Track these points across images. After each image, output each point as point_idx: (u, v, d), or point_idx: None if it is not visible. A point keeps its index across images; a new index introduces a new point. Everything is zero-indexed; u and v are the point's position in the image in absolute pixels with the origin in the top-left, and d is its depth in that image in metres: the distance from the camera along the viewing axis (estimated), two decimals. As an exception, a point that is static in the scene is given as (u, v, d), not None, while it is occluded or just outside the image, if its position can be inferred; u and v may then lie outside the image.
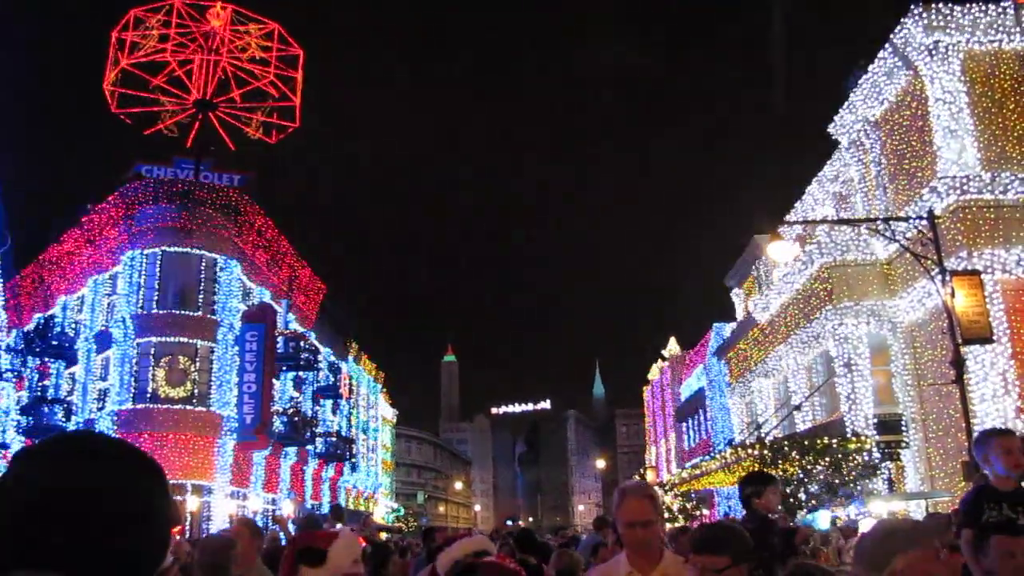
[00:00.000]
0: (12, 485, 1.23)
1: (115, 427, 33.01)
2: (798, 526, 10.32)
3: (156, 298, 34.85)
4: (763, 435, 30.64)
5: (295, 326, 42.96)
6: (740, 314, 41.45)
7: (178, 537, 15.29)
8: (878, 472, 24.60)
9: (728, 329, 43.09)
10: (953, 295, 17.08)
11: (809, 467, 24.28)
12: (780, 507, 21.47)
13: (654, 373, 66.95)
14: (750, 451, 26.62)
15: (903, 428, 25.42)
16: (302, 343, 40.90)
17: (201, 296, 35.39)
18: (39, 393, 39.16)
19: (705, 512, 39.43)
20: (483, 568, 3.05)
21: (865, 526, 19.10)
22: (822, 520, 23.40)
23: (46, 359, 38.97)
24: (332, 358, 50.18)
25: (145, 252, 35.16)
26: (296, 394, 43.12)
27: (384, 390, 73.27)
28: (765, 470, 25.26)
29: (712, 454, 35.48)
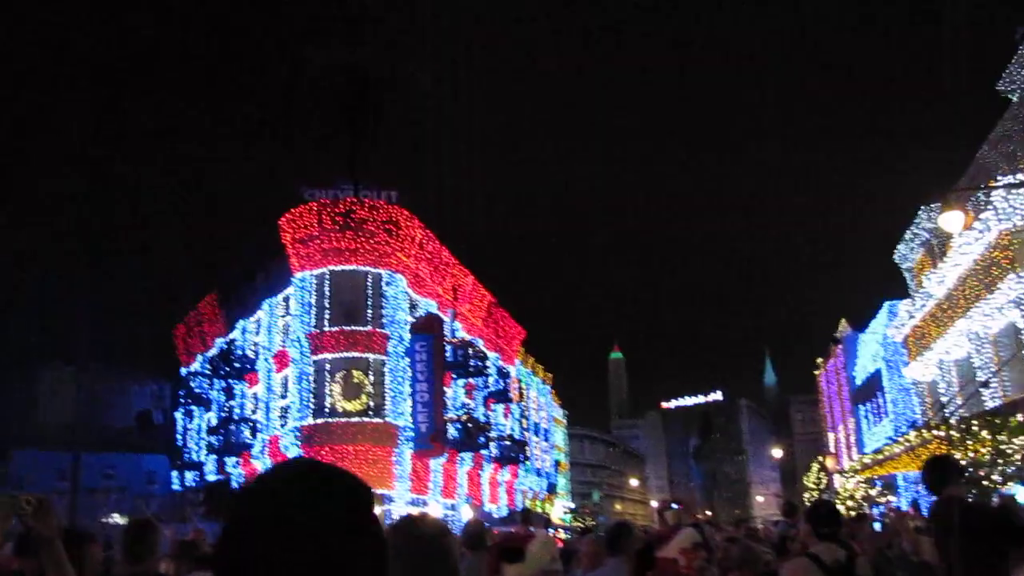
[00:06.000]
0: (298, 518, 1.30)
1: (298, 442, 34.44)
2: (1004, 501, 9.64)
3: (328, 316, 36.17)
4: (948, 415, 29.31)
5: (462, 334, 43.75)
6: (914, 290, 39.74)
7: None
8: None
9: (901, 306, 41.41)
10: None
11: (1002, 447, 23.04)
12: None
13: (826, 356, 65.04)
14: (935, 432, 25.49)
15: (1105, 399, 23.83)
16: (470, 350, 41.64)
17: (370, 311, 36.49)
18: (226, 413, 41.29)
19: (891, 499, 38.00)
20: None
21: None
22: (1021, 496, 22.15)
23: (230, 381, 41.02)
24: (500, 362, 50.86)
25: (314, 273, 36.55)
26: (468, 400, 43.92)
27: (553, 391, 73.71)
28: (951, 452, 24.18)
29: (894, 437, 34.20)
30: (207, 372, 42.88)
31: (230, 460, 39.78)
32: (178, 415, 50.15)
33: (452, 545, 2.58)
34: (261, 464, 37.23)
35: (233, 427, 38.78)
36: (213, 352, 43.04)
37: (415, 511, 33.79)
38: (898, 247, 43.11)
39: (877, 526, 8.97)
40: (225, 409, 42.01)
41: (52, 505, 3.12)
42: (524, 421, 57.98)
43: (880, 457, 31.85)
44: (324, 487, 1.35)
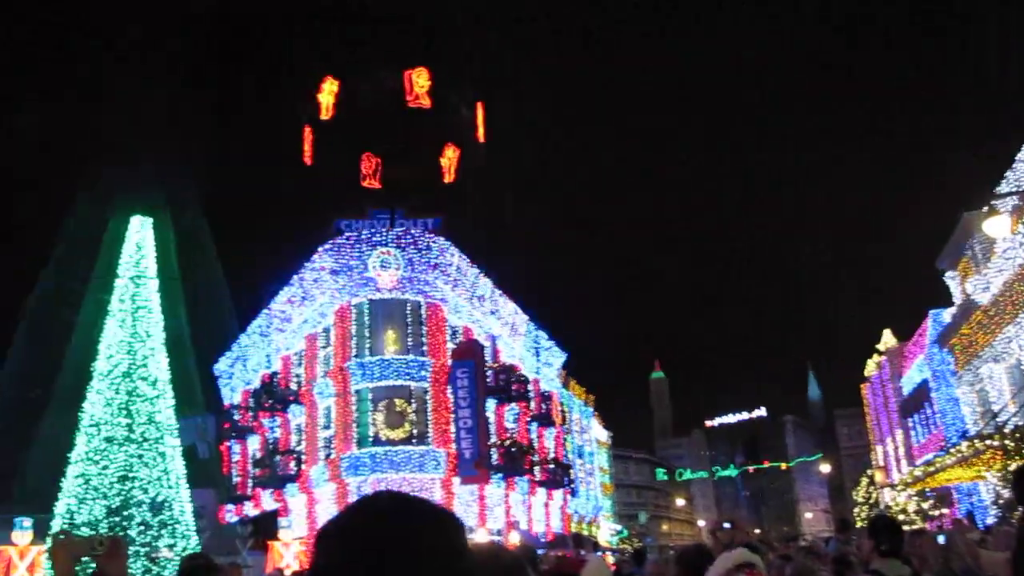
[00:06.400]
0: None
1: (343, 473, 34.49)
2: None
3: (368, 345, 36.31)
4: (1001, 424, 28.80)
5: (503, 358, 43.72)
6: (958, 298, 39.21)
7: None
8: None
9: (947, 315, 40.91)
10: None
11: (1060, 455, 22.60)
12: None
13: (871, 369, 64.25)
14: (988, 442, 25.04)
15: None
16: (512, 375, 41.60)
17: (410, 339, 36.58)
18: (271, 446, 41.45)
19: (945, 511, 37.35)
20: None
21: None
22: None
23: (274, 413, 41.17)
24: (542, 386, 50.74)
25: (353, 303, 36.73)
26: (511, 425, 43.79)
27: (596, 413, 73.41)
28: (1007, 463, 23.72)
29: (946, 449, 33.69)
30: (250, 405, 43.13)
31: (276, 492, 39.89)
32: (222, 448, 50.45)
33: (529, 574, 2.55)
34: (307, 496, 37.32)
35: (278, 459, 38.90)
36: (255, 384, 43.31)
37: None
38: (940, 254, 42.66)
39: (941, 539, 8.77)
40: (269, 441, 42.18)
41: (123, 546, 3.15)
42: (568, 444, 57.72)
43: (931, 469, 31.35)
44: (409, 521, 1.32)
